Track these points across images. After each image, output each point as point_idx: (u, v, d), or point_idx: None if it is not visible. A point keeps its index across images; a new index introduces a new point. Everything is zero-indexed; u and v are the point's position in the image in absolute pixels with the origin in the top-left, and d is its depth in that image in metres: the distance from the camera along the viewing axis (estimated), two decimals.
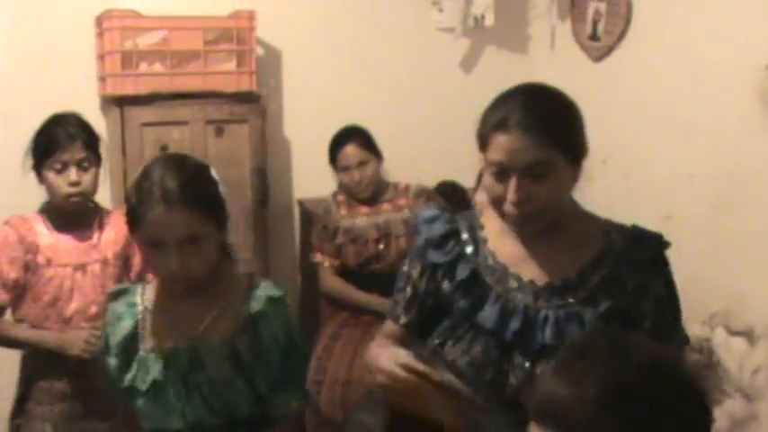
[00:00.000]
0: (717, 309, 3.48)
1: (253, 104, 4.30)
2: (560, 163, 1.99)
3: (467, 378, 2.09)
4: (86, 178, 3.14)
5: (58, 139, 3.13)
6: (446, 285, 2.19)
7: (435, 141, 4.17)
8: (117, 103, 4.08)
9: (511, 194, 1.99)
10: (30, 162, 3.19)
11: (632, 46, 4.22)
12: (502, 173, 2.01)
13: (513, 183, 1.99)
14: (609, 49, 4.34)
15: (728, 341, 3.34)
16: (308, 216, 4.52)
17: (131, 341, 2.27)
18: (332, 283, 4.22)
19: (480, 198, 3.26)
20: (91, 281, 3.20)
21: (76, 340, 3.11)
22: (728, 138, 3.61)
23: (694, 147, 3.79)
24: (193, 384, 2.24)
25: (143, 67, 4.08)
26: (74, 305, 3.18)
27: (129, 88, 4.06)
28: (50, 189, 3.15)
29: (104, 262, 3.23)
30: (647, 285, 2.07)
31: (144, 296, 2.33)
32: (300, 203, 4.65)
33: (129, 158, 4.03)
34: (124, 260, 3.30)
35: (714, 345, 3.38)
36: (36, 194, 3.22)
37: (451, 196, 4.35)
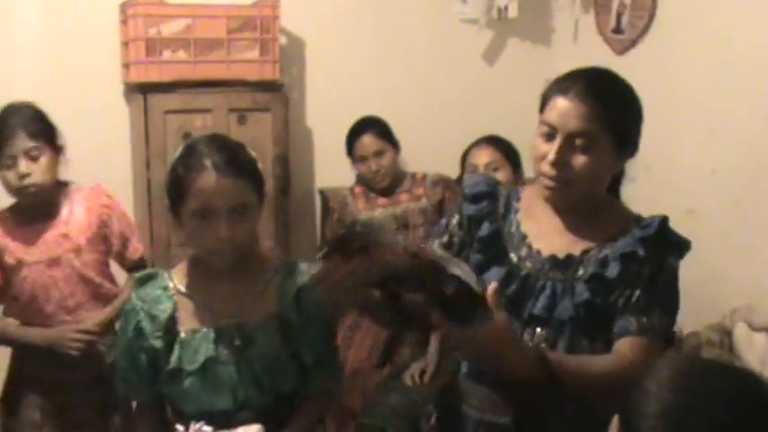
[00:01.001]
0: (738, 304, 3.47)
1: (275, 93, 4.30)
2: (604, 143, 2.07)
3: None
4: (36, 168, 3.02)
5: (1, 134, 3.02)
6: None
7: (457, 133, 4.16)
8: (140, 90, 4.09)
9: (551, 154, 2.08)
10: None
11: (656, 39, 4.20)
12: (550, 134, 2.10)
13: (556, 144, 2.08)
14: (632, 42, 4.31)
15: (750, 336, 3.32)
16: (328, 205, 4.53)
17: (172, 324, 2.29)
18: None
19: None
20: (67, 272, 3.13)
21: (61, 339, 3.08)
22: (752, 132, 3.59)
23: (718, 141, 3.77)
24: (244, 362, 2.27)
25: (167, 54, 4.10)
26: (53, 301, 3.13)
27: (152, 75, 4.07)
28: (5, 187, 3.06)
29: (77, 250, 3.14)
30: (636, 259, 2.08)
31: (173, 280, 2.34)
32: (321, 192, 4.66)
33: (152, 146, 4.05)
34: (101, 243, 3.21)
35: (735, 340, 3.37)
36: None
37: None
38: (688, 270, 3.53)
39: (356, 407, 4.03)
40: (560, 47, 4.93)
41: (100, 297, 3.21)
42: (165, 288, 2.33)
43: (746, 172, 3.62)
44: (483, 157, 3.79)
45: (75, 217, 3.16)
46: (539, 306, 2.12)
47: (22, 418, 3.16)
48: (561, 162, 2.08)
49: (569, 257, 2.14)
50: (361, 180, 4.31)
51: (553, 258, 2.16)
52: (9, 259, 3.08)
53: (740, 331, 3.37)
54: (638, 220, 2.18)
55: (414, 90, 4.82)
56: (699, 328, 3.47)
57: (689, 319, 3.50)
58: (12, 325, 3.18)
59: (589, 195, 2.14)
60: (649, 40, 4.24)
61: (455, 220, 2.34)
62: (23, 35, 4.18)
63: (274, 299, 2.35)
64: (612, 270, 2.08)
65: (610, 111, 2.07)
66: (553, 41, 4.99)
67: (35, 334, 3.12)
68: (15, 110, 3.10)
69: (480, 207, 2.28)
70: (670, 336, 2.13)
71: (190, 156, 2.23)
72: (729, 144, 3.71)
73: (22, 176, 3.00)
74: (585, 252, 2.14)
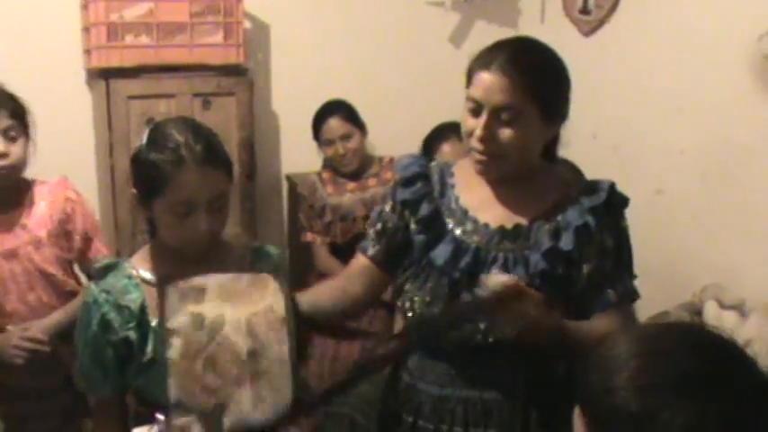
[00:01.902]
0: (708, 282, 3.48)
1: (240, 77, 4.26)
2: (530, 114, 2.08)
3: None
4: (15, 149, 2.89)
5: None
6: (412, 222, 2.29)
7: (425, 116, 4.15)
8: (102, 75, 4.03)
9: (479, 130, 2.10)
10: None
11: (623, 20, 4.19)
12: (476, 109, 2.12)
13: (482, 119, 2.09)
14: (599, 23, 4.31)
15: (720, 314, 3.33)
16: (295, 190, 4.49)
17: (144, 314, 2.23)
18: (328, 263, 4.19)
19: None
20: (25, 266, 2.95)
21: (4, 345, 2.89)
22: (720, 111, 3.60)
23: (685, 120, 3.77)
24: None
25: (129, 39, 4.04)
26: (12, 297, 2.95)
27: (114, 61, 4.02)
28: None
29: (37, 243, 2.97)
30: (593, 232, 2.11)
31: (136, 268, 2.28)
32: (288, 178, 4.62)
33: (115, 132, 4.00)
34: (62, 238, 3.04)
35: (705, 318, 3.38)
36: None
37: None
38: (657, 249, 3.56)
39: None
40: (527, 29, 4.89)
41: (61, 294, 3.04)
42: (130, 277, 2.27)
43: (714, 152, 3.63)
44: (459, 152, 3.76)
45: (36, 209, 3.00)
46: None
47: None
48: (488, 137, 2.09)
49: (518, 227, 2.15)
50: (328, 164, 4.29)
51: (502, 229, 2.16)
52: None
53: (710, 310, 3.38)
54: (578, 183, 2.21)
55: (380, 73, 4.80)
56: (669, 308, 3.47)
57: (659, 299, 3.51)
58: None
59: (521, 166, 2.15)
60: (616, 20, 4.23)
61: (388, 206, 2.36)
62: None
63: None
64: (566, 242, 2.09)
65: (533, 82, 2.08)
66: (519, 23, 4.96)
67: None
68: None
69: (415, 189, 2.29)
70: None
71: (164, 146, 2.15)
72: (697, 124, 3.71)
73: (1, 156, 2.86)
74: (533, 221, 2.15)
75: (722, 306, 3.35)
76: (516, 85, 2.06)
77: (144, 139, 2.21)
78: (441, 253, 2.17)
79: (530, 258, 2.11)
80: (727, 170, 3.58)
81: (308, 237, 4.24)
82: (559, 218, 2.13)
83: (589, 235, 2.10)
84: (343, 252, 4.16)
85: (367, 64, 4.77)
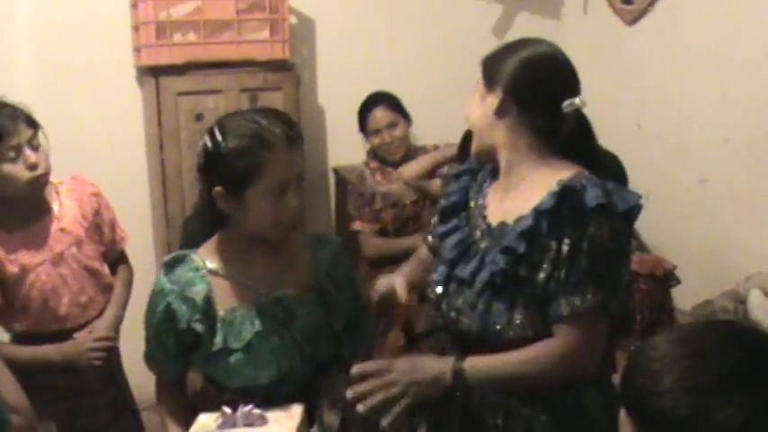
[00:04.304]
0: (752, 271, 3.48)
1: (286, 72, 4.32)
2: (480, 85, 2.22)
3: None
4: (42, 158, 2.83)
5: (1, 125, 2.75)
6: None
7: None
8: (152, 73, 4.11)
9: None
10: None
11: (665, 8, 4.18)
12: None
13: None
14: (642, 12, 4.30)
15: (764, 303, 3.33)
16: (342, 183, 4.54)
17: (209, 305, 2.29)
18: (375, 244, 4.21)
19: None
20: (73, 268, 2.95)
21: (79, 352, 2.92)
22: (764, 99, 3.59)
23: (730, 110, 3.76)
24: (287, 334, 2.31)
25: (177, 37, 4.11)
26: (65, 300, 2.94)
27: (163, 58, 4.09)
28: (9, 182, 2.79)
29: (79, 243, 2.97)
30: (540, 236, 2.05)
31: (203, 260, 2.33)
32: (335, 171, 4.67)
33: (165, 128, 4.09)
34: (95, 232, 3.04)
35: (749, 307, 3.38)
36: None
37: None
38: (702, 238, 3.55)
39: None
40: (570, 19, 4.92)
41: (104, 288, 3.08)
42: (197, 269, 2.32)
43: (759, 139, 3.62)
44: None
45: (67, 210, 2.98)
46: (466, 270, 2.18)
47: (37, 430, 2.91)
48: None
49: (502, 225, 2.17)
50: (374, 155, 4.33)
51: (489, 227, 2.21)
52: (12, 269, 2.86)
53: (754, 298, 3.37)
54: (565, 181, 2.09)
55: (424, 66, 4.83)
56: (713, 296, 3.48)
57: (703, 287, 3.52)
58: (17, 348, 2.95)
59: (486, 142, 2.22)
60: (659, 9, 4.22)
61: (443, 200, 2.43)
62: (34, 22, 4.20)
63: (308, 270, 2.40)
64: (521, 245, 2.05)
65: (489, 56, 2.24)
66: (563, 14, 4.98)
67: (49, 352, 2.93)
68: (3, 102, 2.85)
69: (459, 183, 2.38)
70: (616, 309, 2.04)
71: (246, 135, 2.21)
72: (742, 112, 3.70)
73: (32, 166, 2.79)
74: (517, 221, 2.13)
75: (766, 294, 3.35)
76: (482, 60, 2.25)
77: (214, 136, 2.22)
78: (449, 243, 2.26)
79: (497, 261, 2.10)
80: None
81: (357, 225, 4.27)
82: (534, 220, 2.08)
83: (537, 238, 2.05)
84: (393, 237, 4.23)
85: (411, 56, 4.80)
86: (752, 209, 3.67)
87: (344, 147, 4.60)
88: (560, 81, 2.17)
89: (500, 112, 2.16)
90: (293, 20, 4.48)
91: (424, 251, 2.55)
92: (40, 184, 2.85)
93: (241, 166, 2.19)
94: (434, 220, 2.45)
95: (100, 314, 3.05)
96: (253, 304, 2.31)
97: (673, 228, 3.92)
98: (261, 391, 2.30)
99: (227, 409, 2.24)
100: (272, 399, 2.29)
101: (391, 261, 4.15)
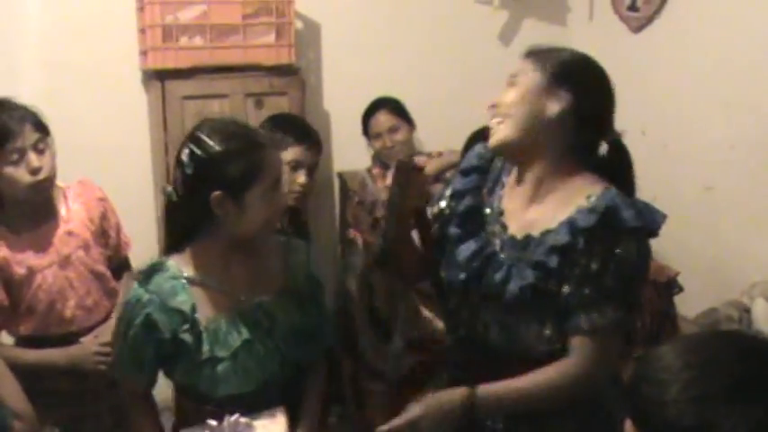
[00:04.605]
0: (757, 279, 3.48)
1: (292, 77, 4.33)
2: (532, 75, 2.15)
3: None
4: (46, 161, 2.81)
5: (7, 127, 2.75)
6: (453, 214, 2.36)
7: (474, 113, 4.16)
8: (158, 76, 4.12)
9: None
10: None
11: (671, 16, 4.19)
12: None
13: None
14: (648, 20, 4.31)
15: None
16: (346, 188, 4.55)
17: (193, 313, 2.27)
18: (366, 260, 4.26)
19: None
20: (80, 271, 2.95)
21: (85, 355, 2.91)
22: None
23: (734, 117, 3.77)
24: (270, 340, 2.32)
25: (183, 40, 4.12)
26: (71, 303, 2.94)
27: (169, 62, 4.10)
28: (10, 184, 2.79)
29: (86, 246, 2.97)
30: (576, 253, 2.06)
31: (180, 269, 2.31)
32: (340, 175, 4.68)
33: (170, 131, 4.08)
34: (101, 236, 3.04)
35: (754, 315, 3.38)
36: None
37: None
38: (706, 246, 3.55)
39: (376, 388, 4.06)
40: (576, 26, 4.93)
41: (110, 292, 3.07)
42: (175, 278, 2.30)
43: (763, 147, 3.62)
44: None
45: (74, 213, 2.98)
46: (492, 284, 2.16)
47: None
48: (497, 103, 2.20)
49: (527, 238, 2.16)
50: (377, 160, 4.34)
51: (512, 238, 2.19)
52: (19, 270, 2.85)
53: (759, 308, 3.37)
54: (596, 197, 2.10)
55: (429, 72, 4.84)
56: (716, 304, 3.48)
57: (708, 295, 3.52)
58: (23, 351, 2.94)
59: (526, 136, 2.15)
60: (665, 16, 4.23)
61: (448, 192, 2.40)
62: (41, 25, 4.21)
63: (283, 275, 2.41)
64: (553, 260, 2.07)
65: (544, 53, 2.19)
66: (568, 21, 4.99)
67: (57, 355, 2.92)
68: (9, 102, 2.85)
69: (467, 181, 2.35)
70: (631, 325, 2.12)
71: (238, 139, 2.25)
72: (747, 119, 3.70)
73: (35, 171, 2.78)
74: (545, 234, 2.13)
75: None
76: (530, 57, 2.19)
77: (202, 143, 2.22)
78: (465, 250, 2.23)
79: (525, 274, 2.11)
80: None
81: (351, 233, 4.30)
82: (564, 236, 2.09)
83: (572, 255, 2.06)
84: None
85: (416, 62, 4.81)
86: (756, 217, 3.67)
87: (349, 151, 4.61)
88: (614, 106, 2.20)
89: (559, 117, 2.14)
90: (299, 24, 4.49)
91: None
92: (42, 188, 2.83)
93: (241, 167, 2.21)
94: (432, 210, 2.43)
95: (105, 318, 3.04)
96: (234, 312, 2.31)
97: (676, 235, 3.89)
98: (246, 400, 2.30)
99: (213, 422, 2.24)
100: (255, 406, 2.29)
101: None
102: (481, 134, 3.90)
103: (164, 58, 4.10)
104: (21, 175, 2.76)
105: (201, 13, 4.14)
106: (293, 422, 2.34)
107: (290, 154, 3.31)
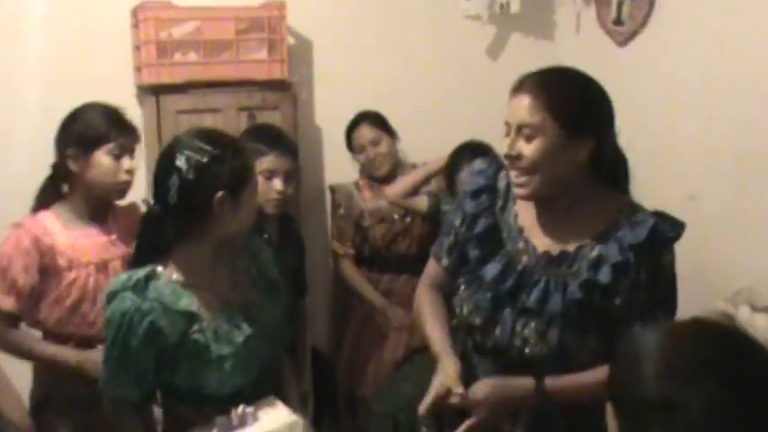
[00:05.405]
0: (741, 286, 3.53)
1: (284, 92, 4.38)
2: (550, 129, 2.15)
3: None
4: (136, 168, 3.08)
5: (120, 123, 3.05)
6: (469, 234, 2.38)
7: (463, 129, 4.25)
8: (153, 92, 4.17)
9: (505, 147, 2.20)
10: (71, 148, 3.03)
11: (656, 30, 4.26)
12: (507, 131, 2.21)
13: (509, 137, 2.19)
14: (633, 34, 4.37)
15: (752, 318, 3.38)
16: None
17: (199, 314, 2.36)
18: (348, 272, 4.38)
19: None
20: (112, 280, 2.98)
21: (96, 363, 2.73)
22: (751, 119, 3.65)
23: (718, 128, 3.82)
24: (263, 335, 2.44)
25: (177, 56, 4.17)
26: (97, 306, 2.99)
27: (164, 77, 4.15)
28: (101, 174, 3.00)
29: (124, 259, 3.04)
30: (629, 267, 2.16)
31: (170, 275, 2.39)
32: (331, 188, 4.74)
33: (165, 145, 4.11)
34: None
35: (739, 322, 3.43)
36: None
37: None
38: (690, 255, 3.59)
39: (367, 394, 4.13)
40: (563, 40, 4.99)
41: None
42: (171, 283, 2.38)
43: (746, 157, 3.68)
44: None
45: (121, 227, 3.13)
46: (532, 299, 2.23)
47: None
48: (513, 153, 2.18)
49: (563, 254, 2.23)
50: (363, 172, 4.42)
51: (548, 255, 2.25)
52: (60, 260, 2.98)
53: (744, 314, 3.42)
54: (628, 211, 2.23)
55: (419, 86, 4.89)
56: (701, 312, 3.52)
57: (692, 303, 3.57)
58: (44, 343, 3.05)
59: (558, 184, 2.21)
60: (649, 30, 4.30)
61: (458, 220, 2.45)
62: (36, 41, 4.25)
63: (254, 271, 2.55)
64: (604, 275, 2.16)
65: (553, 99, 2.15)
66: (555, 35, 5.06)
67: (68, 354, 2.99)
68: (116, 109, 3.18)
69: (479, 202, 2.39)
70: None
71: (229, 147, 2.39)
72: (729, 131, 3.76)
73: (129, 172, 3.04)
74: (579, 248, 2.22)
75: (755, 309, 3.40)
76: (535, 102, 2.15)
77: (200, 149, 2.34)
78: (491, 270, 2.29)
79: (568, 286, 2.19)
80: (758, 175, 3.63)
81: (335, 245, 4.40)
82: (602, 249, 2.19)
83: (626, 270, 2.16)
84: (382, 257, 4.30)
85: (406, 77, 4.87)
86: (740, 225, 3.73)
87: (341, 164, 4.66)
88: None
89: (587, 157, 2.21)
90: (291, 40, 4.55)
91: (433, 270, 2.57)
92: (122, 190, 3.08)
93: (236, 168, 2.35)
94: (448, 240, 2.47)
95: None
96: (228, 310, 2.40)
97: None
98: (244, 393, 2.40)
99: (221, 418, 2.31)
100: (251, 399, 2.39)
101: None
102: (468, 147, 3.98)
103: (158, 74, 4.16)
104: (116, 169, 3.01)
105: (195, 29, 4.19)
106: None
107: (264, 163, 3.33)
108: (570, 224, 2.26)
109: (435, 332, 2.46)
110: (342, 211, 4.41)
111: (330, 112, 4.77)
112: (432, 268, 2.58)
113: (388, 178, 4.31)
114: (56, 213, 3.05)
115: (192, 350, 2.34)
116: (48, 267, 2.97)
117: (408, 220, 4.27)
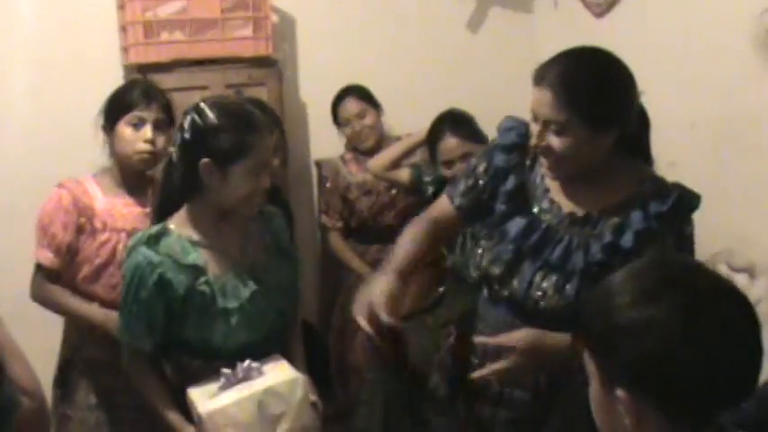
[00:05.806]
0: (719, 248, 3.62)
1: (270, 68, 4.44)
2: (576, 126, 2.21)
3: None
4: (161, 140, 3.08)
5: (138, 95, 3.09)
6: (498, 191, 2.44)
7: (446, 101, 4.30)
8: (140, 71, 4.22)
9: (533, 138, 2.27)
10: (101, 122, 3.16)
11: (633, 1, 4.32)
12: (534, 117, 2.27)
13: (537, 130, 2.26)
14: (610, 5, 4.42)
15: (731, 277, 3.46)
16: (323, 176, 4.67)
17: (207, 269, 2.46)
18: (336, 244, 4.47)
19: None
20: None
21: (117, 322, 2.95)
22: (727, 85, 3.72)
23: (695, 95, 3.89)
24: (270, 294, 2.52)
25: (164, 36, 4.24)
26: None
27: (151, 56, 4.21)
28: (122, 144, 3.09)
29: None
30: (656, 234, 2.25)
31: (181, 232, 2.50)
32: (317, 163, 4.80)
33: None
34: None
35: None
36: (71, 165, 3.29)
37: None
38: None
39: (358, 362, 4.19)
40: (541, 12, 5.03)
41: None
42: (182, 239, 2.49)
43: (724, 123, 3.75)
44: (455, 149, 3.84)
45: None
46: (555, 255, 2.32)
47: (77, 401, 3.15)
48: (542, 146, 2.26)
49: (587, 216, 2.32)
50: (349, 145, 4.48)
51: (572, 215, 2.34)
52: (97, 223, 3.09)
53: (721, 272, 3.51)
54: (651, 181, 2.33)
55: (401, 60, 4.95)
56: None
57: None
58: (73, 297, 3.12)
59: (587, 166, 2.31)
60: (626, 1, 4.35)
61: (482, 166, 2.51)
62: (23, 23, 4.31)
63: (267, 237, 2.63)
64: (627, 240, 2.25)
65: (577, 98, 2.20)
66: (534, 8, 5.10)
67: (95, 311, 3.08)
68: (146, 82, 3.27)
69: (509, 158, 2.46)
70: None
71: (240, 117, 2.44)
72: (707, 98, 3.83)
73: (147, 141, 3.06)
74: (603, 211, 2.31)
75: (733, 269, 3.49)
76: (560, 100, 2.20)
77: (203, 112, 2.43)
78: (515, 225, 2.37)
79: (591, 247, 2.28)
80: (735, 141, 3.71)
81: (323, 219, 4.46)
82: (626, 215, 2.28)
83: (651, 238, 2.25)
84: (369, 229, 4.37)
85: (389, 51, 4.92)
86: (717, 188, 3.77)
87: (326, 140, 4.72)
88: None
89: (613, 140, 2.28)
90: (275, 18, 4.60)
91: (443, 206, 2.61)
92: (144, 159, 3.09)
93: (230, 141, 2.40)
94: (466, 182, 2.53)
95: None
96: (236, 269, 2.49)
97: None
98: (251, 350, 2.48)
99: (227, 370, 2.40)
100: (258, 357, 2.48)
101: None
102: (448, 117, 4.02)
103: (145, 53, 4.21)
104: (135, 138, 3.06)
105: (181, 8, 4.26)
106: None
107: None
108: (595, 191, 2.35)
109: (398, 255, 2.56)
110: (328, 184, 4.48)
111: (314, 88, 4.83)
112: (441, 204, 2.63)
113: (374, 151, 4.37)
114: (97, 180, 3.18)
115: (200, 302, 2.46)
116: (84, 226, 3.09)
117: (393, 192, 4.33)
